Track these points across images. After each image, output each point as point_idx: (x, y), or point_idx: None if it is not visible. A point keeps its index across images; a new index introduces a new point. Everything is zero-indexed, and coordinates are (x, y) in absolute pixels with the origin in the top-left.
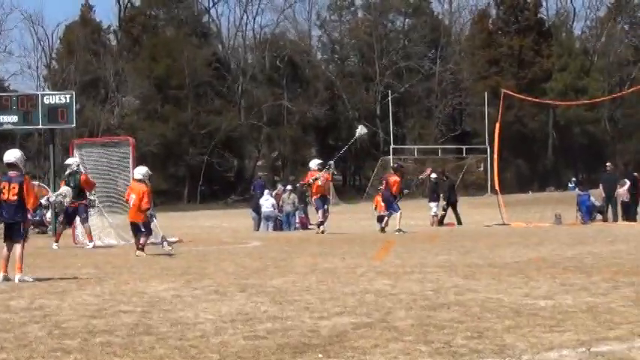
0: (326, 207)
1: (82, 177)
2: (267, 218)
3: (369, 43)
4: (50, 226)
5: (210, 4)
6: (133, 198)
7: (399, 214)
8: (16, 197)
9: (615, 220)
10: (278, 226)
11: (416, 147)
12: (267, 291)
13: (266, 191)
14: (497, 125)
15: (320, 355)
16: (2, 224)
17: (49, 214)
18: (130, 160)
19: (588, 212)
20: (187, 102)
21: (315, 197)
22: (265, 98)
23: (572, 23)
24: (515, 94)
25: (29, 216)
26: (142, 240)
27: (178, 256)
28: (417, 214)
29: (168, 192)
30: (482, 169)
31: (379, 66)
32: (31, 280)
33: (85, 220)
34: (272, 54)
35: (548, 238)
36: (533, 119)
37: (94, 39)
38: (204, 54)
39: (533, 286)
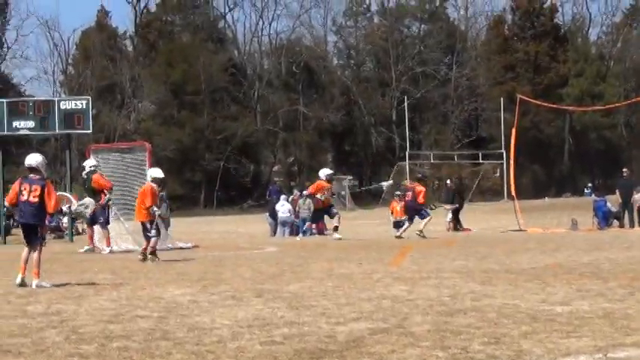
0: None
1: (94, 177)
2: (284, 224)
3: (385, 48)
4: (67, 232)
5: (226, 10)
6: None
7: (427, 219)
8: (37, 200)
9: (632, 225)
10: (294, 231)
11: (432, 153)
12: (283, 296)
13: (282, 197)
14: (514, 131)
15: None
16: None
17: (65, 220)
18: (147, 166)
19: (605, 218)
20: (203, 107)
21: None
22: (281, 104)
23: (588, 29)
24: (531, 100)
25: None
26: (151, 243)
27: (195, 262)
28: (433, 219)
29: (185, 197)
30: (498, 174)
31: (395, 71)
32: (49, 285)
33: (103, 225)
34: (288, 59)
35: (564, 244)
36: (550, 125)
37: (110, 44)
38: (220, 59)
39: (550, 292)
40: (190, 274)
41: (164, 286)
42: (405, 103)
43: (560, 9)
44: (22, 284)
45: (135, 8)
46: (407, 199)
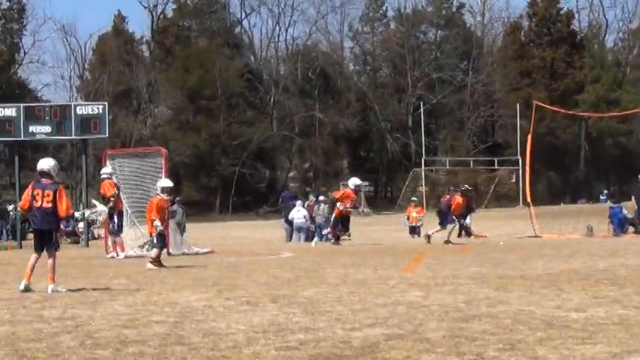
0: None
1: (103, 183)
2: (299, 229)
3: (401, 54)
4: (83, 237)
5: (243, 16)
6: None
7: (451, 226)
8: (50, 205)
9: None
10: (310, 237)
11: (447, 159)
12: (298, 302)
13: (298, 202)
14: (529, 137)
15: None
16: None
17: (81, 225)
18: (163, 171)
19: (620, 224)
20: (219, 113)
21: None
22: (297, 109)
23: (605, 35)
24: (547, 106)
25: (62, 226)
26: (153, 254)
27: (210, 267)
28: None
29: (201, 203)
30: (513, 180)
31: (411, 77)
32: (64, 290)
33: (112, 231)
34: (304, 65)
35: (580, 250)
36: (565, 131)
37: (127, 50)
38: (237, 65)
39: (565, 298)
40: (206, 280)
41: (179, 292)
42: (421, 109)
43: (576, 15)
44: (27, 290)
45: (152, 13)
46: (443, 202)
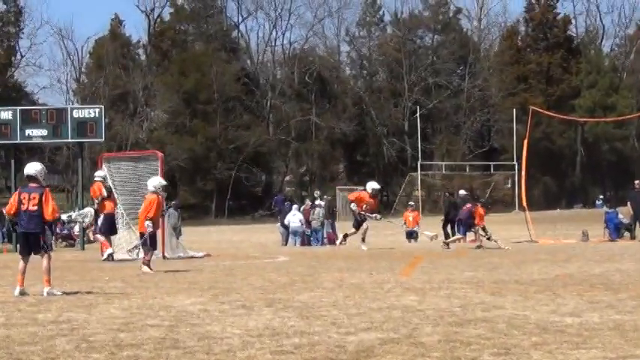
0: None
1: (93, 186)
2: (295, 233)
3: (398, 59)
4: (78, 240)
5: (240, 20)
6: (142, 208)
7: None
8: (36, 207)
9: None
10: (305, 241)
11: (444, 163)
12: (294, 306)
13: (294, 206)
14: (525, 142)
15: None
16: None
17: (77, 228)
18: (159, 174)
19: (616, 230)
20: (216, 117)
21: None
22: (294, 113)
23: (602, 40)
24: (543, 111)
25: (57, 230)
26: (147, 256)
27: (206, 271)
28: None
29: (196, 206)
30: (509, 185)
31: (408, 82)
32: (60, 293)
33: (100, 231)
34: (301, 69)
35: (575, 255)
36: (561, 136)
37: (124, 53)
38: (233, 69)
39: (560, 303)
40: (201, 283)
41: (175, 295)
42: (418, 114)
43: (573, 21)
44: (22, 294)
45: (148, 17)
46: (463, 211)
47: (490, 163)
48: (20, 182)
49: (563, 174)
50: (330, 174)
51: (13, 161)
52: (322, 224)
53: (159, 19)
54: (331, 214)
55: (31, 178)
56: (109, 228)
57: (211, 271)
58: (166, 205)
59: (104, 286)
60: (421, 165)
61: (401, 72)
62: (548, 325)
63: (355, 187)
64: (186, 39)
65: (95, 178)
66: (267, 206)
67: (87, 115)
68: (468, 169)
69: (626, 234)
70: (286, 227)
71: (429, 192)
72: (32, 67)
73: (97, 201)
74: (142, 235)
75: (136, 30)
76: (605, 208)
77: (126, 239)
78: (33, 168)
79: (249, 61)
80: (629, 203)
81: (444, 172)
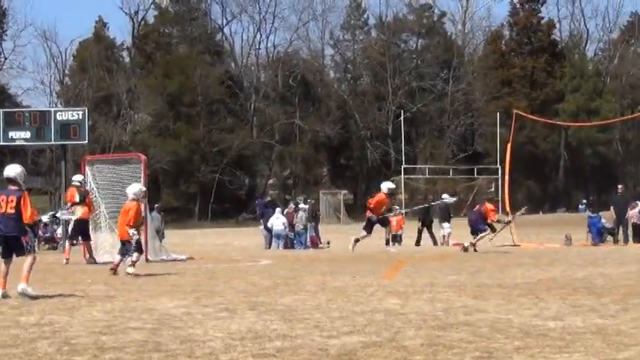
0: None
1: (69, 190)
2: (278, 236)
3: (382, 62)
4: (61, 242)
5: (224, 23)
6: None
7: (484, 233)
8: (13, 211)
9: (626, 242)
10: (289, 244)
11: (427, 167)
12: (277, 309)
13: (277, 209)
14: (509, 146)
15: None
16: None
17: (59, 231)
18: (142, 177)
19: (599, 234)
20: (199, 119)
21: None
22: (277, 116)
23: (586, 45)
24: (527, 115)
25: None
26: (133, 257)
27: (189, 274)
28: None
29: (180, 209)
30: (493, 189)
31: (392, 85)
32: (33, 293)
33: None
34: (285, 72)
35: (558, 259)
36: (545, 140)
37: (108, 56)
38: (217, 72)
39: (543, 307)
40: (184, 286)
41: (157, 298)
42: (402, 117)
43: (557, 25)
44: (4, 297)
45: (133, 20)
46: (473, 212)
47: (474, 167)
48: (1, 185)
49: (547, 178)
50: (314, 177)
51: None
52: (305, 228)
53: (143, 22)
54: (314, 217)
55: (10, 181)
56: (80, 234)
57: (194, 274)
58: (149, 208)
59: (87, 289)
60: (405, 169)
61: (385, 75)
62: (530, 328)
63: (338, 191)
64: (170, 42)
65: (72, 182)
66: (250, 209)
67: (70, 118)
68: (451, 173)
69: (609, 238)
70: (269, 230)
71: (413, 195)
72: (16, 69)
73: (68, 206)
74: (122, 242)
75: (120, 32)
76: (588, 213)
77: (109, 242)
78: (12, 170)
79: (233, 64)
80: (612, 207)
81: (427, 175)
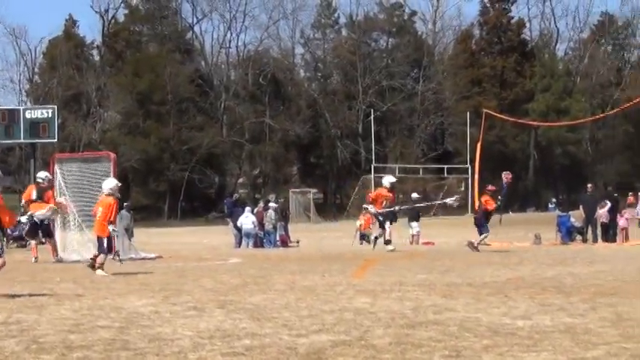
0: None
1: (27, 188)
2: (248, 235)
3: (353, 61)
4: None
5: (194, 21)
6: (100, 211)
7: (483, 235)
8: None
9: (595, 241)
10: (258, 243)
11: (397, 166)
12: (245, 308)
13: (247, 208)
14: (479, 145)
15: None
16: None
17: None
18: (111, 176)
19: (568, 233)
20: (169, 118)
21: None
22: (247, 115)
23: (556, 44)
24: (496, 115)
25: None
26: (99, 259)
27: (158, 272)
28: (397, 232)
29: (149, 208)
30: (463, 188)
31: (362, 84)
32: None
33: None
34: (255, 71)
35: (527, 258)
36: (515, 140)
37: (77, 54)
38: (187, 70)
39: (512, 306)
40: (152, 285)
41: (126, 297)
42: (372, 116)
43: (527, 24)
44: None
45: (103, 18)
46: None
47: (444, 166)
48: None
49: (517, 177)
50: (284, 176)
51: None
52: (275, 226)
53: (113, 20)
54: (284, 216)
55: None
56: (35, 232)
57: (163, 272)
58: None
59: (55, 287)
60: (375, 167)
61: (355, 75)
62: (499, 327)
63: (308, 190)
64: (140, 40)
65: (37, 179)
66: (219, 208)
67: (40, 116)
68: (421, 172)
69: (578, 237)
70: (239, 229)
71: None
72: None
73: (22, 203)
74: (99, 239)
75: (91, 31)
76: (557, 212)
77: (78, 241)
78: None
79: (203, 63)
80: (581, 207)
81: (397, 174)
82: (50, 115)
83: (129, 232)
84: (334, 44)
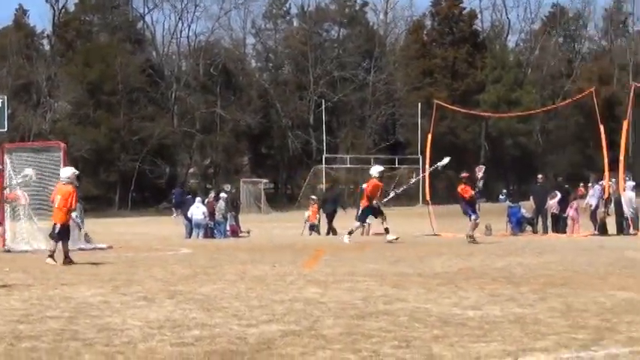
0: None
1: None
2: (198, 226)
3: (304, 52)
4: None
5: (145, 11)
6: (58, 199)
7: (474, 219)
8: None
9: (545, 232)
10: (209, 233)
11: (348, 156)
12: (195, 298)
13: (198, 199)
14: (430, 136)
15: None
16: None
17: None
18: (61, 166)
19: (518, 224)
20: (120, 108)
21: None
22: (198, 105)
23: (507, 36)
24: (447, 105)
25: None
26: (50, 246)
27: (107, 263)
28: (347, 223)
29: (99, 198)
30: (413, 180)
31: (313, 75)
32: None
33: None
34: (206, 61)
35: (477, 248)
36: (466, 130)
37: (28, 44)
38: (138, 60)
39: (462, 296)
40: (102, 275)
41: (75, 287)
42: (323, 107)
43: (479, 15)
44: None
45: (53, 8)
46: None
47: (395, 156)
48: None
49: (467, 168)
50: (235, 166)
51: None
52: (225, 217)
53: (64, 10)
54: (235, 206)
55: None
56: None
57: (113, 262)
58: None
59: (4, 278)
60: (326, 158)
61: (307, 65)
62: (449, 318)
63: (259, 180)
64: (91, 30)
65: None
66: (170, 198)
67: None
68: (372, 163)
69: (529, 228)
70: (190, 220)
71: (334, 185)
72: None
73: None
74: (54, 226)
75: (41, 20)
76: (508, 203)
77: (28, 230)
78: None
79: (154, 53)
80: (531, 197)
81: (348, 165)
82: (0, 105)
83: (79, 223)
84: (285, 34)
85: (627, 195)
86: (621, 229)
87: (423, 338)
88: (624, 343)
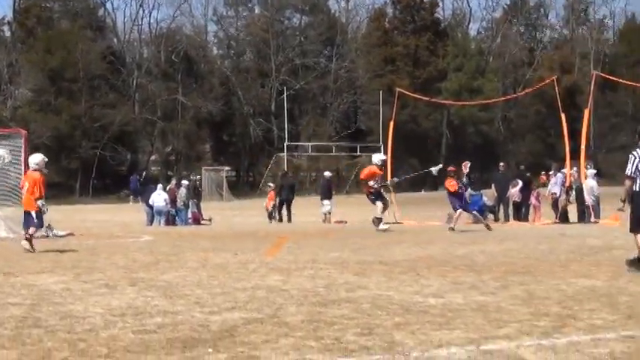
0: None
1: None
2: (159, 213)
3: (266, 39)
4: None
5: None
6: (27, 186)
7: (458, 212)
8: None
9: (507, 219)
10: (170, 220)
11: (310, 144)
12: (157, 285)
13: (159, 186)
14: (392, 124)
15: (210, 350)
16: None
17: None
18: (22, 153)
19: (480, 212)
20: (81, 95)
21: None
22: (160, 93)
23: (468, 24)
24: (409, 93)
25: None
26: (30, 230)
27: (69, 250)
28: (309, 210)
29: (61, 185)
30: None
31: (275, 62)
32: None
33: None
34: (167, 48)
35: (439, 236)
36: (428, 118)
37: None
38: (99, 47)
39: (424, 284)
40: (64, 262)
41: (37, 274)
42: (285, 95)
43: (440, 3)
44: None
45: None
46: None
47: (356, 144)
48: None
49: (429, 156)
50: (197, 154)
51: None
52: (186, 204)
53: None
54: (197, 194)
55: None
56: None
57: (75, 250)
58: None
59: None
60: (287, 146)
61: (268, 52)
62: (411, 305)
63: (221, 167)
64: (52, 16)
65: None
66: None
67: None
68: (334, 150)
69: (490, 216)
70: (151, 207)
71: (296, 173)
72: None
73: None
74: (26, 213)
75: (1, 7)
76: (469, 191)
77: None
78: None
79: (115, 40)
80: (493, 185)
81: (310, 153)
82: None
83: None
84: (247, 22)
85: (589, 183)
86: (582, 218)
87: (385, 326)
88: (586, 330)
